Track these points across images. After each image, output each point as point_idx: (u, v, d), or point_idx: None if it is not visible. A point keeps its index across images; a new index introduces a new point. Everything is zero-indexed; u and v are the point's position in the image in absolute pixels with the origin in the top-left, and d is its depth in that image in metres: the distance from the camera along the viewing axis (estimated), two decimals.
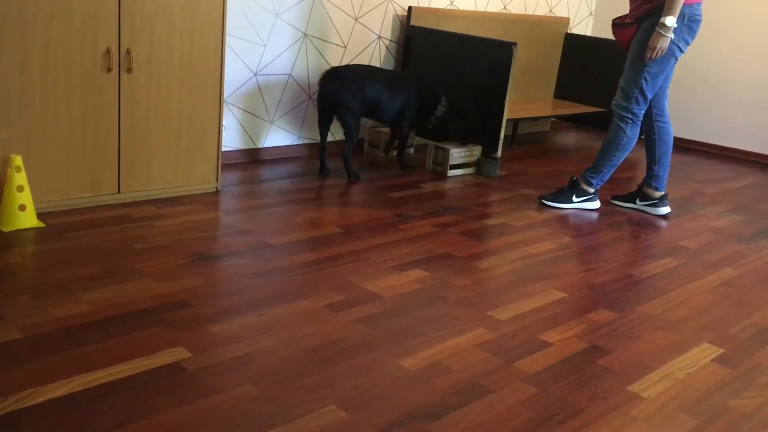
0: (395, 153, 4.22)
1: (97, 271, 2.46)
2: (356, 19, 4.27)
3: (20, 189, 2.72)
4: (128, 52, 2.94)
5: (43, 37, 2.73)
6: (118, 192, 3.09)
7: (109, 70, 2.91)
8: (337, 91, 3.70)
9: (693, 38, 3.40)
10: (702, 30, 3.46)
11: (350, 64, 3.93)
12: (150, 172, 3.16)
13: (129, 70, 2.97)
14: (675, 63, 3.43)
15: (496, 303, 2.53)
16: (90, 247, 2.65)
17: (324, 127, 3.84)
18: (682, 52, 3.40)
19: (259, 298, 2.39)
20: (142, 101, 3.05)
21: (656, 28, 3.25)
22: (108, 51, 2.89)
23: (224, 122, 3.58)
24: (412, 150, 4.51)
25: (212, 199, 3.31)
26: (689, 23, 3.33)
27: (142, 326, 2.13)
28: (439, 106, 4.04)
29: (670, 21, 3.21)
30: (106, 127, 2.98)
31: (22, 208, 2.74)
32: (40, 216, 2.84)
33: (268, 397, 1.85)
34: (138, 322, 2.15)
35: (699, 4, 3.34)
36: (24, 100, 2.75)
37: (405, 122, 4.01)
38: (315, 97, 4.18)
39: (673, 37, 3.28)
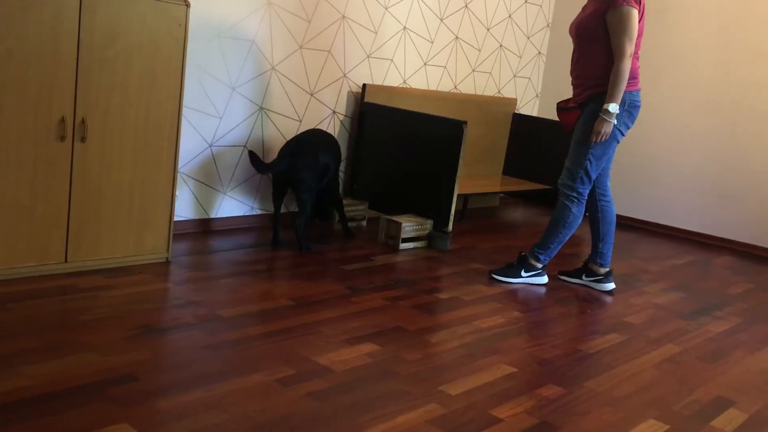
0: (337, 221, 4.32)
1: (40, 344, 2.38)
2: (312, 95, 4.37)
3: None
4: (83, 121, 2.95)
5: None
6: (65, 261, 3.03)
7: (62, 139, 2.91)
8: (296, 168, 3.74)
9: (633, 122, 3.58)
10: (642, 115, 3.65)
11: (303, 135, 3.96)
12: (99, 242, 3.12)
13: (83, 140, 2.96)
14: (617, 145, 3.60)
15: (448, 378, 2.54)
16: (33, 319, 2.57)
17: (278, 200, 3.87)
18: (623, 135, 3.57)
19: (209, 372, 2.35)
20: (95, 170, 3.03)
21: (600, 113, 3.42)
22: (63, 120, 2.89)
23: (177, 192, 3.58)
24: (364, 223, 4.56)
25: (162, 269, 3.27)
26: (629, 109, 3.51)
27: (86, 402, 2.06)
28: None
29: (614, 107, 3.39)
30: (57, 196, 2.95)
31: None
32: None
33: None
34: (82, 398, 2.08)
35: (638, 90, 3.54)
36: None
37: (334, 183, 4.08)
38: None
39: (615, 122, 3.45)
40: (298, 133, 4.06)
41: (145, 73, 3.09)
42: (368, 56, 4.63)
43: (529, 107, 6.12)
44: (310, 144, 3.84)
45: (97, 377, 2.21)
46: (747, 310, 3.84)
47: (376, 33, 4.63)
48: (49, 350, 2.35)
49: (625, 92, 3.42)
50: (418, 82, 5.04)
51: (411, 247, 4.19)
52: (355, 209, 4.49)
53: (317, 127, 4.33)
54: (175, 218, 3.75)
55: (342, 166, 4.58)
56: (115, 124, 3.06)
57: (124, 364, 2.32)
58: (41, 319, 2.58)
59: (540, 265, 3.80)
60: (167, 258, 3.37)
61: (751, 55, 5.14)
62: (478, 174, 5.59)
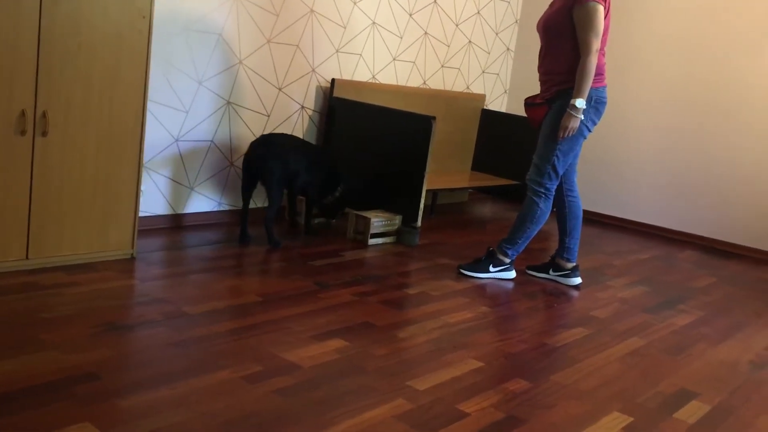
0: (299, 219, 4.30)
1: (0, 342, 2.33)
2: (280, 89, 4.33)
3: None
4: (44, 115, 2.88)
5: None
6: (27, 258, 2.97)
7: (23, 133, 2.84)
8: (264, 157, 3.73)
9: (599, 118, 3.62)
10: (607, 112, 3.69)
11: (276, 132, 3.98)
12: (61, 238, 3.06)
13: (44, 134, 2.90)
14: (583, 141, 3.63)
15: (415, 373, 2.54)
16: None
17: (247, 193, 3.84)
18: (589, 131, 3.61)
19: (173, 370, 2.32)
20: (57, 165, 2.97)
21: (567, 109, 3.45)
22: (23, 114, 2.82)
23: (143, 187, 3.53)
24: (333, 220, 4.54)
25: (127, 265, 3.22)
26: (596, 105, 3.55)
27: (46, 401, 2.02)
28: (338, 188, 4.17)
29: (581, 103, 3.42)
30: (17, 191, 2.88)
31: None
32: None
33: None
34: (42, 397, 2.04)
35: (604, 87, 3.58)
36: None
37: (312, 190, 4.08)
38: (237, 163, 4.18)
39: (582, 118, 3.48)
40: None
41: (108, 65, 3.04)
42: (337, 51, 4.61)
43: (498, 103, 6.15)
44: (284, 140, 3.87)
45: (59, 376, 2.17)
46: (709, 303, 3.90)
47: (344, 27, 4.61)
48: (9, 348, 2.30)
49: (591, 88, 3.45)
50: (387, 78, 5.03)
51: (380, 242, 4.19)
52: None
53: (297, 135, 4.41)
54: (141, 214, 3.69)
55: None
56: (78, 118, 3.00)
57: (87, 362, 2.28)
58: (1, 317, 2.52)
59: (508, 260, 3.82)
60: (132, 254, 3.32)
61: (713, 54, 5.22)
62: (447, 169, 5.60)
